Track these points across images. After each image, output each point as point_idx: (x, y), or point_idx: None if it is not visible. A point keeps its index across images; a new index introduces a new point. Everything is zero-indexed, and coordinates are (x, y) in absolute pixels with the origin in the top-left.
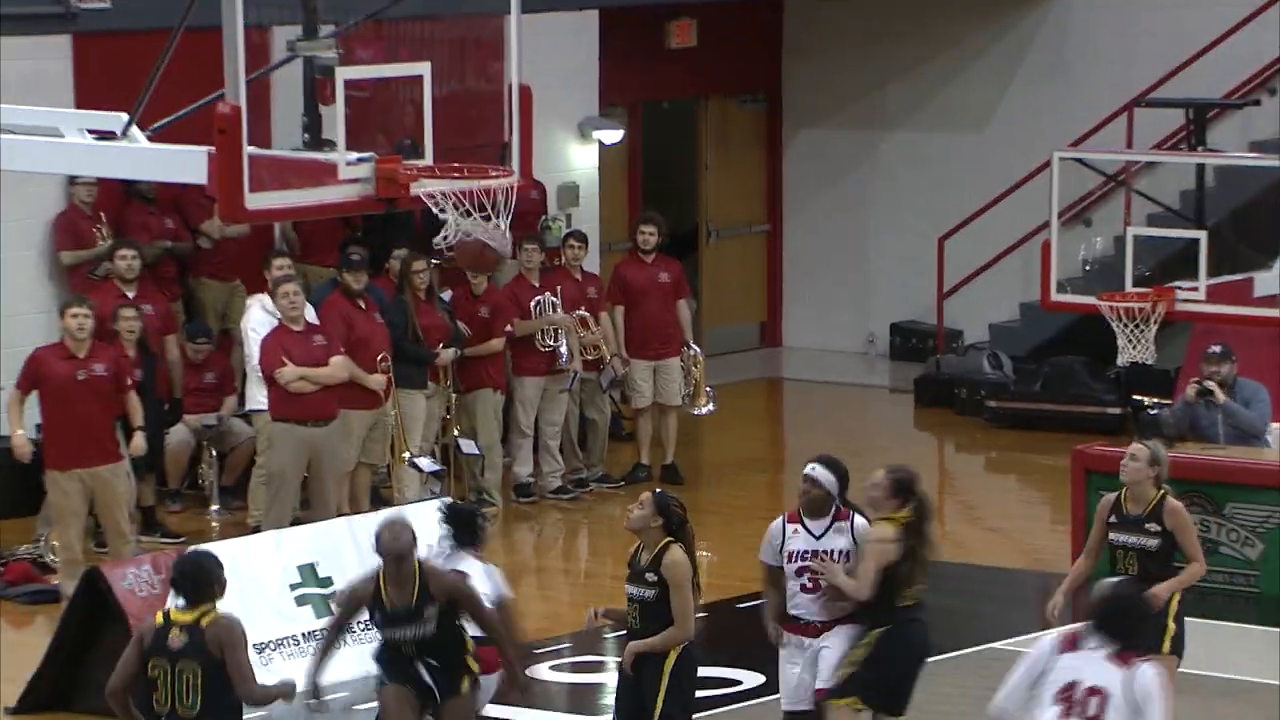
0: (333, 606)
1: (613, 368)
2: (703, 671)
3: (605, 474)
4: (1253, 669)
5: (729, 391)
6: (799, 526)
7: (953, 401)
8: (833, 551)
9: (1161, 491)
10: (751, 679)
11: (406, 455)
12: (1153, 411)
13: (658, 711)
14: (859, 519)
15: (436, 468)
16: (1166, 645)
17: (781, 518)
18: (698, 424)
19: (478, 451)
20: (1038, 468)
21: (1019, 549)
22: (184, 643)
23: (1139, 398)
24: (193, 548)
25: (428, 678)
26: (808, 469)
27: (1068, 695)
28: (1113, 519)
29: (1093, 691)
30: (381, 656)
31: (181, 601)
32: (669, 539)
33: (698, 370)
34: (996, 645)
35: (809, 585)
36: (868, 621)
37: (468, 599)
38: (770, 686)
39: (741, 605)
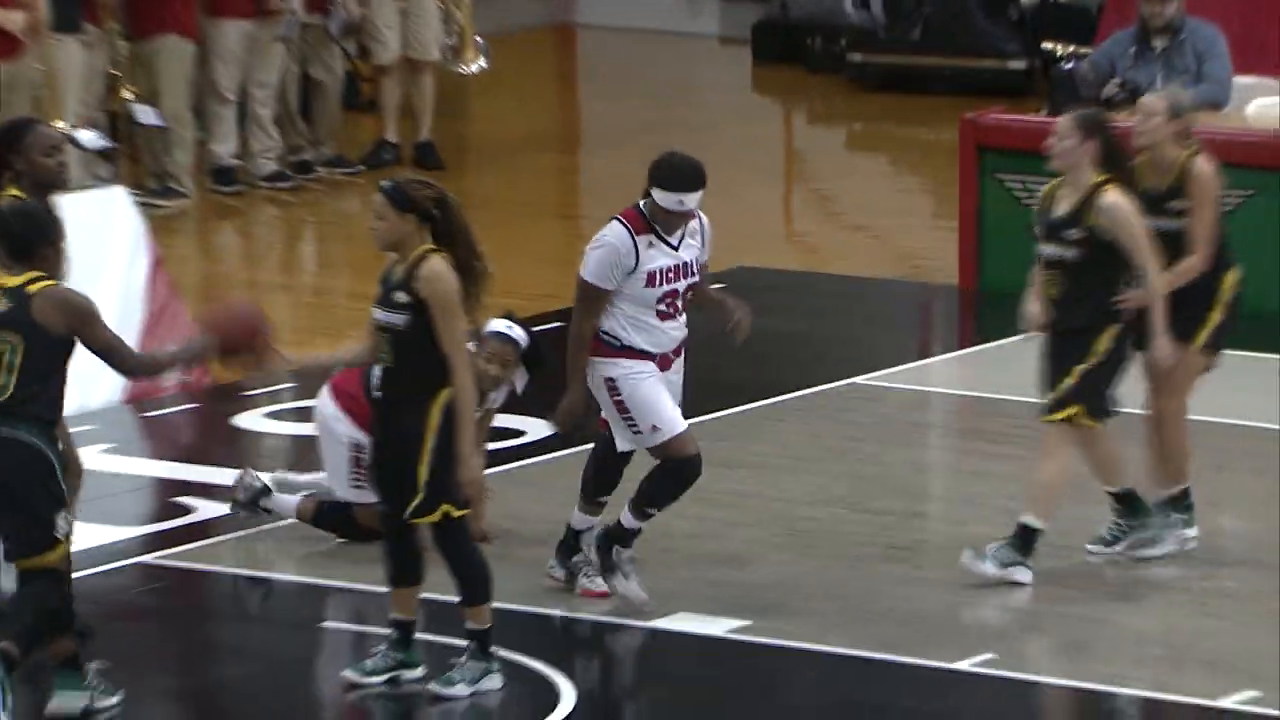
0: None
1: (344, 7)
2: None
3: (337, 155)
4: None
5: (506, 42)
6: (652, 238)
7: (803, 55)
8: (690, 264)
9: (1189, 152)
10: (537, 428)
11: (61, 126)
12: (1068, 64)
13: (423, 472)
14: (702, 215)
15: (104, 144)
16: (1204, 336)
17: (623, 227)
18: (464, 87)
19: (160, 122)
20: (915, 143)
21: (890, 252)
22: (5, 309)
23: (1049, 45)
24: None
25: None
26: (684, 199)
27: None
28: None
29: None
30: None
31: (6, 259)
32: (429, 244)
33: (461, 11)
34: (860, 380)
35: (668, 310)
36: (1093, 318)
37: None
38: (564, 437)
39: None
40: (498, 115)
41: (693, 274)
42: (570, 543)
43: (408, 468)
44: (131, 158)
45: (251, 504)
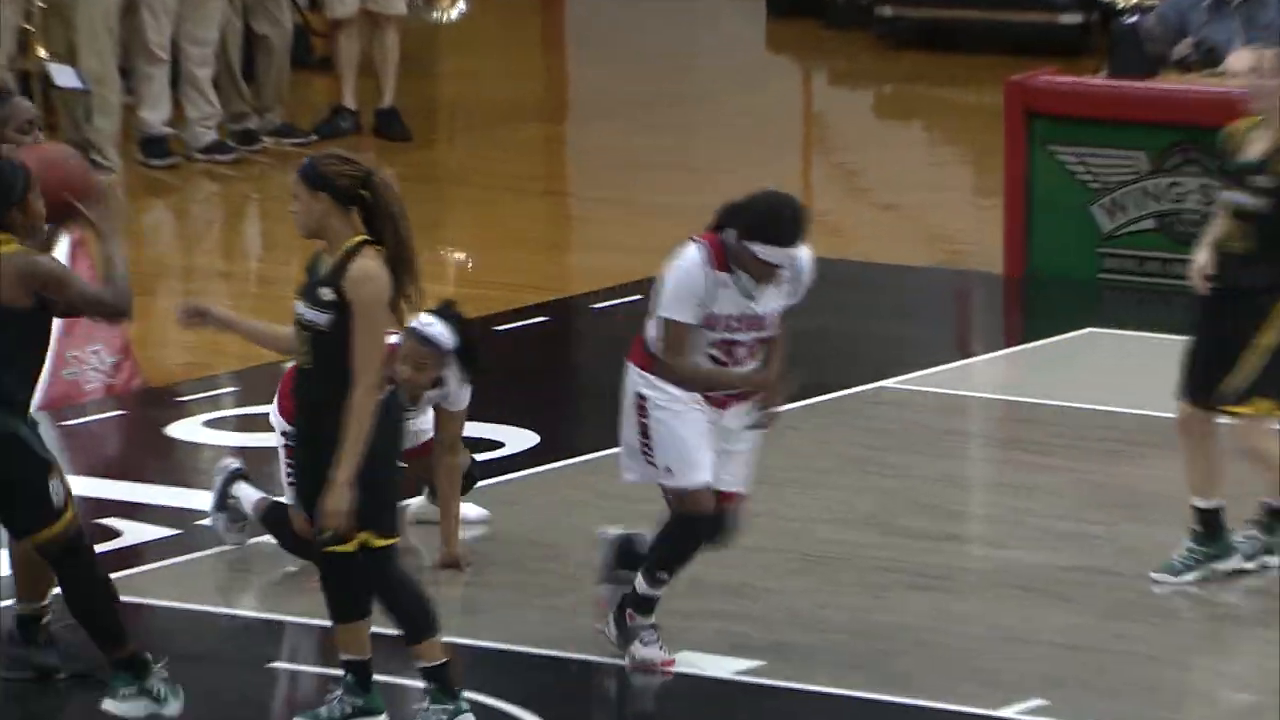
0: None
1: None
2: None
3: (286, 123)
4: None
5: None
6: (729, 279)
7: (824, 8)
8: (764, 318)
9: None
10: (519, 439)
11: None
12: (1131, 18)
13: None
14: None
15: None
16: None
17: (700, 256)
18: (434, 45)
19: (80, 84)
20: (953, 109)
21: (924, 235)
22: None
23: None
24: None
25: None
26: (794, 254)
27: None
28: None
29: None
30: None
31: None
32: (362, 234)
33: None
34: (888, 383)
35: (721, 357)
36: (1276, 279)
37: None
38: (550, 449)
39: (505, 328)
40: (474, 78)
41: (765, 328)
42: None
43: (325, 485)
44: (48, 125)
45: (223, 492)
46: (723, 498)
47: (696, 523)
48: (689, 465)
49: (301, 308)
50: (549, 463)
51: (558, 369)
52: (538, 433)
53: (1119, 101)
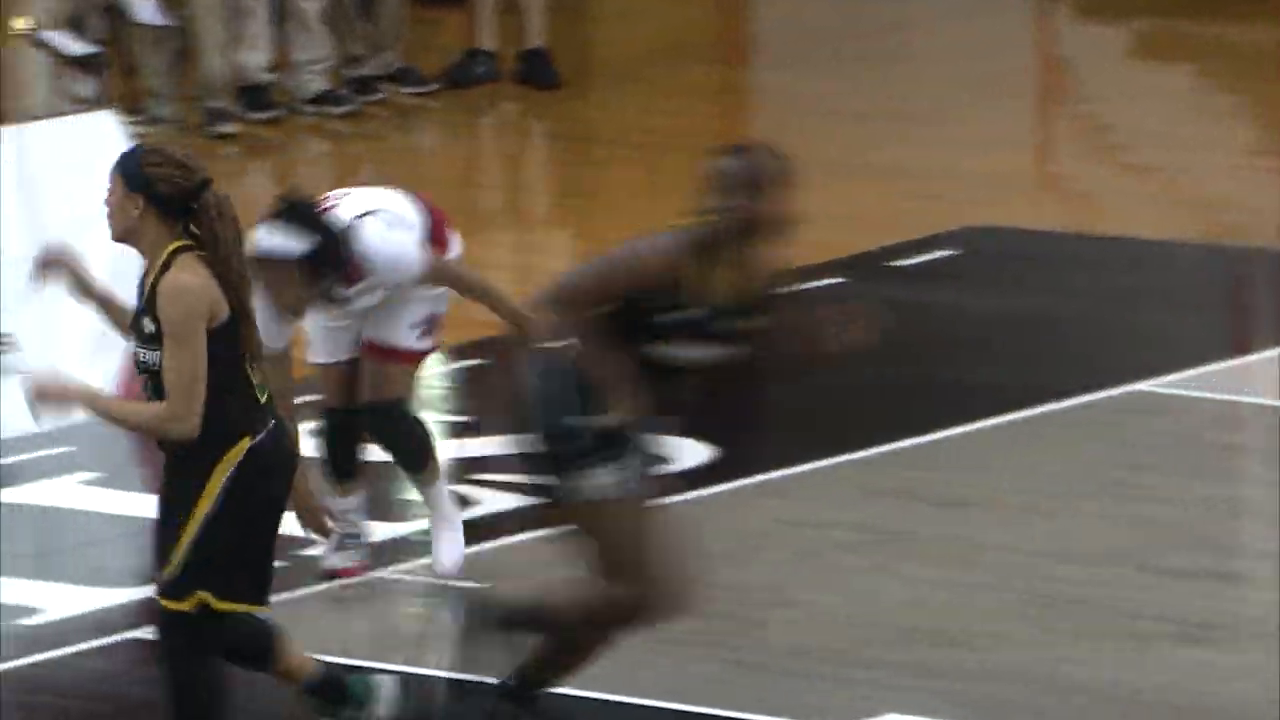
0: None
1: None
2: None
3: (406, 67)
4: None
5: None
6: None
7: None
8: None
9: None
10: (691, 452)
11: (24, 24)
12: None
13: (185, 543)
14: None
15: (84, 49)
16: None
17: None
18: None
19: (162, 21)
20: (1228, 50)
21: (1192, 204)
22: None
23: None
24: None
25: None
26: None
27: None
28: None
29: None
30: None
31: None
32: (178, 240)
33: None
34: (1146, 386)
35: None
36: None
37: None
38: (730, 465)
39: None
40: (635, 13)
41: None
42: None
43: (170, 537)
44: (122, 70)
45: None
46: None
47: None
48: None
49: (134, 345)
50: (727, 481)
51: (739, 368)
52: (715, 445)
53: None
